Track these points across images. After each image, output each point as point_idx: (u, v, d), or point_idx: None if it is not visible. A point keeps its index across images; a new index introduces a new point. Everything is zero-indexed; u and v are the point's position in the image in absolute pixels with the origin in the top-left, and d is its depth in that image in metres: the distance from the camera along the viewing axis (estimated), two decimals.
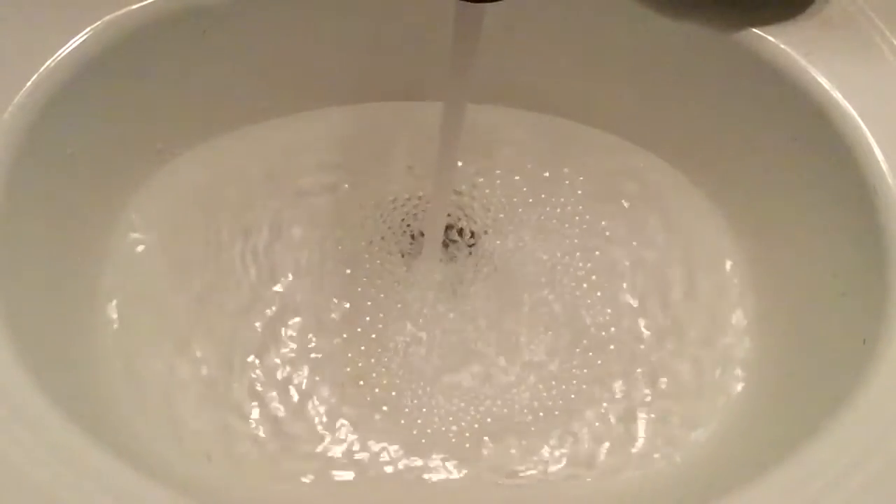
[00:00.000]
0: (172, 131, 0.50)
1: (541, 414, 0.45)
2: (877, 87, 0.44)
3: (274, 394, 0.45)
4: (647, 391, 0.46)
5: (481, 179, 0.52)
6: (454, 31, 0.37)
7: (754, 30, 0.45)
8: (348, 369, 0.46)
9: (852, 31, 0.45)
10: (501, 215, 0.51)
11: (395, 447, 0.44)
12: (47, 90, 0.42)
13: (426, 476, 0.44)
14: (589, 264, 0.50)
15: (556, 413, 0.46)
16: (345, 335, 0.47)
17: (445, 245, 0.50)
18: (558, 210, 0.52)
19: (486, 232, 0.51)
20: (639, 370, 0.47)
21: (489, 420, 0.45)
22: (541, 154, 0.53)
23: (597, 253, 0.50)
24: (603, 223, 0.51)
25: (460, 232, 0.51)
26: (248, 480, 0.43)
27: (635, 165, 0.53)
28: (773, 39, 0.45)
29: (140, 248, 0.48)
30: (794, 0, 0.46)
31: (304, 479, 0.43)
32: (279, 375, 0.46)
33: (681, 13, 0.47)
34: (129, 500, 0.33)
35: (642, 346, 0.48)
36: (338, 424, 0.45)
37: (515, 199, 0.52)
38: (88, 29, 0.43)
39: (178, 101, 0.49)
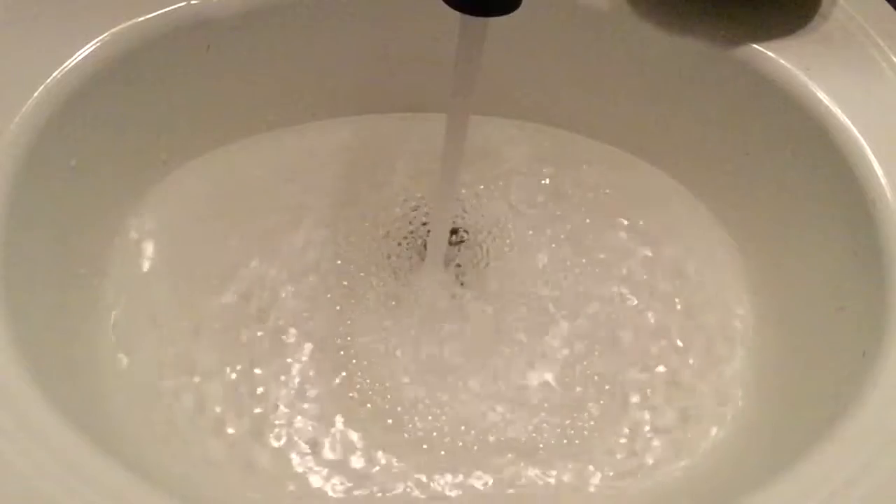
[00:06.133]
0: (176, 143, 0.50)
1: (544, 425, 0.45)
2: (876, 103, 0.44)
3: (275, 403, 0.45)
4: (647, 404, 0.46)
5: (484, 191, 0.53)
6: (458, 44, 0.38)
7: (755, 45, 0.46)
8: (350, 380, 0.46)
9: (851, 48, 0.46)
10: (503, 226, 0.52)
11: (395, 460, 0.44)
12: (53, 102, 0.42)
13: (427, 488, 0.44)
14: (590, 275, 0.50)
15: (557, 425, 0.46)
16: (346, 346, 0.47)
17: (448, 256, 0.50)
18: (560, 221, 0.52)
19: (488, 243, 0.51)
20: (639, 383, 0.47)
21: (492, 433, 0.45)
22: (543, 166, 0.54)
23: (598, 264, 0.51)
24: (604, 234, 0.52)
25: (463, 243, 0.51)
26: (249, 490, 0.43)
27: (637, 178, 0.53)
28: (774, 55, 0.46)
29: (142, 258, 0.48)
30: (794, 17, 0.47)
31: (304, 490, 0.43)
32: (280, 385, 0.46)
33: (682, 28, 0.47)
34: None
35: (643, 359, 0.48)
36: (339, 436, 0.45)
37: (518, 211, 0.52)
38: (94, 41, 0.43)
39: (183, 112, 0.49)
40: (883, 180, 0.42)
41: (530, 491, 0.44)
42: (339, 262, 0.50)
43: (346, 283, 0.49)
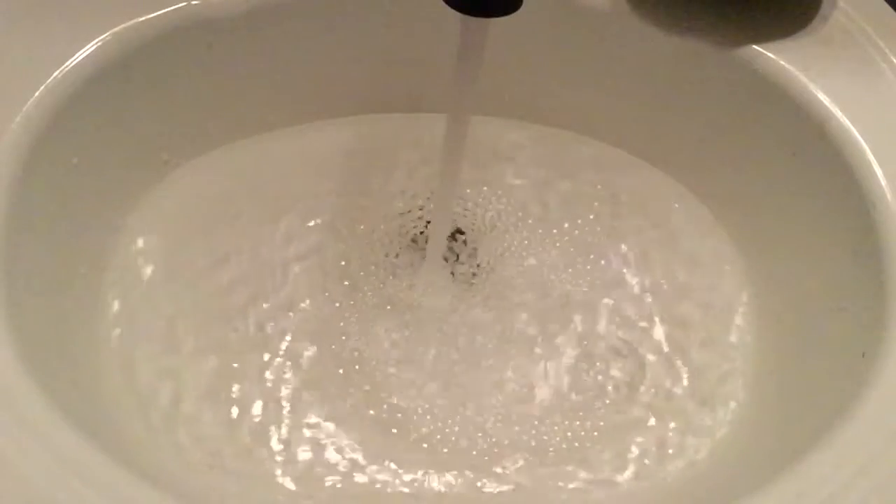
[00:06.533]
0: (177, 142, 0.50)
1: (547, 427, 0.45)
2: (875, 104, 0.44)
3: (275, 404, 0.45)
4: (648, 404, 0.46)
5: (484, 191, 0.53)
6: (459, 45, 0.38)
7: (755, 46, 0.46)
8: (351, 383, 0.46)
9: (851, 49, 0.46)
10: (504, 226, 0.52)
11: (394, 463, 0.44)
12: (55, 100, 0.42)
13: (428, 490, 0.44)
14: (590, 276, 0.50)
15: (559, 427, 0.46)
16: (347, 347, 0.47)
17: (447, 257, 0.50)
18: (561, 222, 0.52)
19: (489, 244, 0.51)
20: (639, 384, 0.47)
21: (494, 436, 0.45)
22: (543, 167, 0.54)
23: (599, 264, 0.51)
24: (605, 235, 0.52)
25: (463, 243, 0.51)
26: (248, 491, 0.43)
27: (637, 178, 0.53)
28: (774, 56, 0.46)
29: (143, 256, 0.48)
30: (794, 18, 0.47)
31: (303, 492, 0.43)
32: (280, 386, 0.46)
33: (682, 29, 0.47)
34: None
35: (644, 360, 0.48)
36: (339, 438, 0.44)
37: (517, 211, 0.52)
38: (96, 41, 0.44)
39: (184, 112, 0.49)
40: (883, 181, 0.42)
41: (532, 492, 0.44)
42: (340, 262, 0.50)
43: (345, 282, 0.49)
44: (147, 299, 0.47)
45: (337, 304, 0.48)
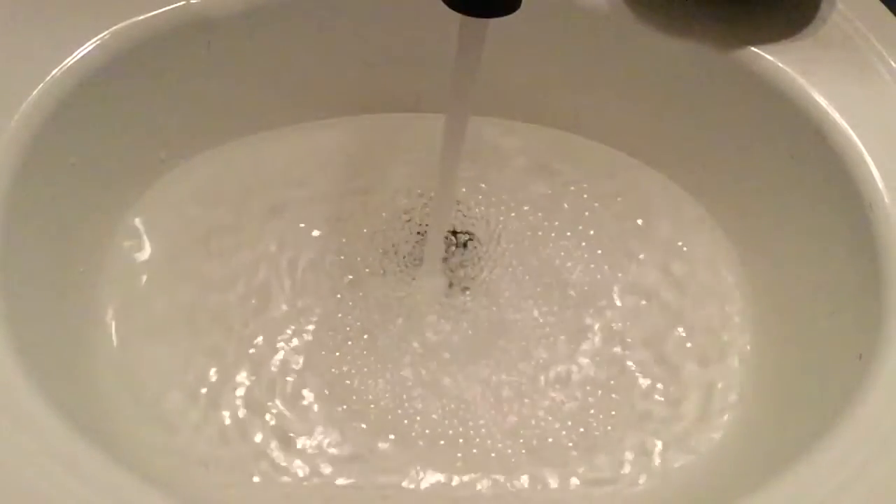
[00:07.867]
0: (175, 141, 0.50)
1: (544, 428, 0.46)
2: (873, 107, 0.44)
3: (273, 405, 0.45)
4: (647, 405, 0.47)
5: (483, 191, 0.53)
6: (458, 45, 0.38)
7: (753, 48, 0.46)
8: (349, 384, 0.46)
9: (850, 52, 0.46)
10: (502, 227, 0.52)
11: (399, 464, 0.44)
12: (52, 99, 0.42)
13: (429, 492, 0.44)
14: (588, 276, 0.50)
15: (557, 428, 0.46)
16: (345, 349, 0.47)
17: (446, 257, 0.50)
18: (559, 223, 0.52)
19: (487, 244, 0.51)
20: (636, 386, 0.47)
21: (492, 438, 0.45)
22: (541, 167, 0.54)
23: (596, 265, 0.51)
24: (603, 236, 0.52)
25: (461, 244, 0.51)
26: (247, 491, 0.43)
27: (635, 179, 0.53)
28: (772, 58, 0.46)
29: (140, 256, 0.48)
30: (793, 20, 0.47)
31: (303, 493, 0.43)
32: (278, 387, 0.46)
33: (680, 31, 0.47)
34: None
35: (642, 361, 0.48)
36: (341, 440, 0.44)
37: (516, 211, 0.52)
38: (95, 39, 0.44)
39: (182, 111, 0.49)
40: (880, 183, 0.42)
41: (531, 494, 0.44)
42: (339, 257, 0.50)
43: (343, 283, 0.49)
44: (145, 298, 0.47)
45: (335, 305, 0.48)
